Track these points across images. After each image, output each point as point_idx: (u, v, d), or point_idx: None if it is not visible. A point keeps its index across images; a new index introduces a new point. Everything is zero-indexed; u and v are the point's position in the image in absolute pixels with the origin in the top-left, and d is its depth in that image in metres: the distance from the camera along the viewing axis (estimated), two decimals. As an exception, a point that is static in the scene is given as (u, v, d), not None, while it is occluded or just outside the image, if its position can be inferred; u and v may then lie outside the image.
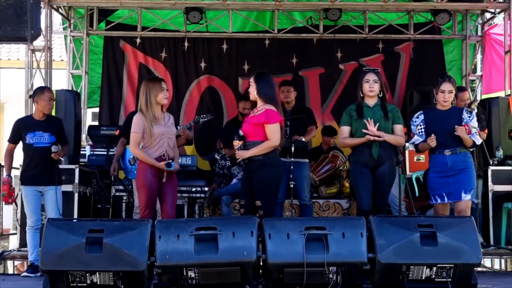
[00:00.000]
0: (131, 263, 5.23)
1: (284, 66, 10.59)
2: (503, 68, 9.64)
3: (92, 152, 8.00)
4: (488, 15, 10.64)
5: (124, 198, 8.23)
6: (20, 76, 10.23)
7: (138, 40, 10.60)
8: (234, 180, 8.49)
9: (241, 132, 6.14)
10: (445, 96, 6.39)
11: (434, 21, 10.31)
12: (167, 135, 6.33)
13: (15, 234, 8.76)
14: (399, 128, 6.36)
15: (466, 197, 6.30)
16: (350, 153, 6.71)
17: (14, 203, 7.74)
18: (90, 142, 8.44)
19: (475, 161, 6.62)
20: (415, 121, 6.49)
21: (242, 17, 10.59)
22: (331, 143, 9.52)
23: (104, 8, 10.47)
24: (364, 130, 6.24)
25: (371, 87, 6.32)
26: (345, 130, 6.41)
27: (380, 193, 6.29)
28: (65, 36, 10.90)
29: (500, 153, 8.58)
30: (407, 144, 8.13)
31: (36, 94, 7.21)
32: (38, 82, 9.40)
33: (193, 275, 5.28)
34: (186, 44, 10.64)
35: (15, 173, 7.49)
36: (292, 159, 7.51)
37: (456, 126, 6.27)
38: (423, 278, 5.31)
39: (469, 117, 6.40)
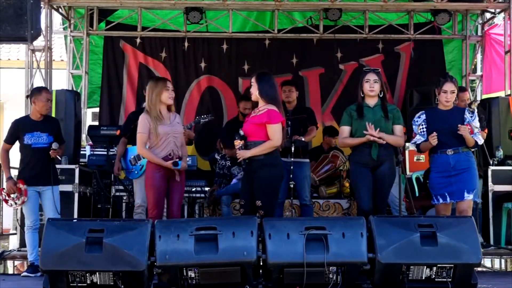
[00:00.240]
0: (131, 263, 5.23)
1: (284, 66, 10.58)
2: (503, 68, 9.64)
3: (92, 152, 7.99)
4: (488, 15, 10.63)
5: (124, 198, 8.25)
6: (20, 76, 10.21)
7: (138, 40, 10.60)
8: (234, 180, 8.48)
9: (242, 132, 6.13)
10: (447, 96, 6.37)
11: (434, 21, 10.29)
12: (172, 134, 6.33)
13: (15, 234, 8.75)
14: (399, 128, 6.35)
15: (469, 197, 6.29)
16: (350, 153, 6.71)
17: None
18: (90, 142, 8.42)
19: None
20: (417, 121, 6.48)
21: (242, 17, 10.58)
22: (332, 143, 9.51)
23: (104, 8, 10.46)
24: (365, 132, 6.23)
25: (371, 87, 6.31)
26: (345, 130, 6.40)
27: (380, 193, 6.29)
28: (65, 36, 10.90)
29: (500, 153, 8.57)
30: (408, 144, 8.14)
31: (34, 94, 7.14)
32: (38, 82, 9.39)
33: (193, 275, 5.27)
34: (186, 44, 10.63)
35: (14, 173, 7.45)
36: (293, 159, 7.50)
37: (459, 125, 6.26)
38: (423, 278, 5.30)
39: (471, 117, 6.39)
